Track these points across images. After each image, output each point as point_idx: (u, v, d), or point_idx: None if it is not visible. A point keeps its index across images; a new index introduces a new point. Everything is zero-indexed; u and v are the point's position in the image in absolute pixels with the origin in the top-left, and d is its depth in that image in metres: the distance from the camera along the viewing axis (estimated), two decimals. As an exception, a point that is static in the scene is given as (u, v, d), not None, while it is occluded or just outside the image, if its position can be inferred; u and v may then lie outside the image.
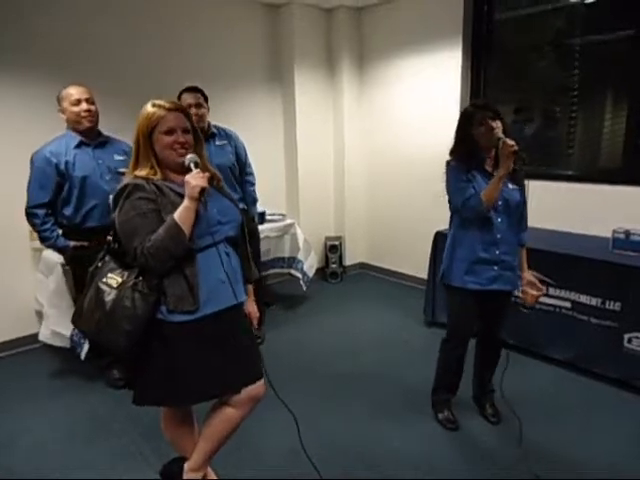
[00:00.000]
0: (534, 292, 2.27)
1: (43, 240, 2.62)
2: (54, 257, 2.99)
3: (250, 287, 1.85)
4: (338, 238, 4.77)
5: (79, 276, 2.63)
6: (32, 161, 2.58)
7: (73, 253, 2.63)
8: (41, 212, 2.56)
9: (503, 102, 3.86)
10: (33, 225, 2.60)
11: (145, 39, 3.64)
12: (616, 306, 2.67)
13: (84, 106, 2.58)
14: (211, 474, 1.88)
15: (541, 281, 2.34)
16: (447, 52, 3.93)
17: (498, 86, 3.96)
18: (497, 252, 2.14)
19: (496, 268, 2.15)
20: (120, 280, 1.52)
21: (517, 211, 2.20)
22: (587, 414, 2.50)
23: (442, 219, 3.78)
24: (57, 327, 2.76)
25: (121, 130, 2.75)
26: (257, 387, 1.72)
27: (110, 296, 1.50)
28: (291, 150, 4.62)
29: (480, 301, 2.20)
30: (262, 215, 3.83)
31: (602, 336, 2.72)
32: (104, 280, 1.53)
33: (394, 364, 3.09)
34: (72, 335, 2.75)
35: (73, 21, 3.31)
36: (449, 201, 2.27)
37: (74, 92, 2.57)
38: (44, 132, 2.73)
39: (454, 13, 3.81)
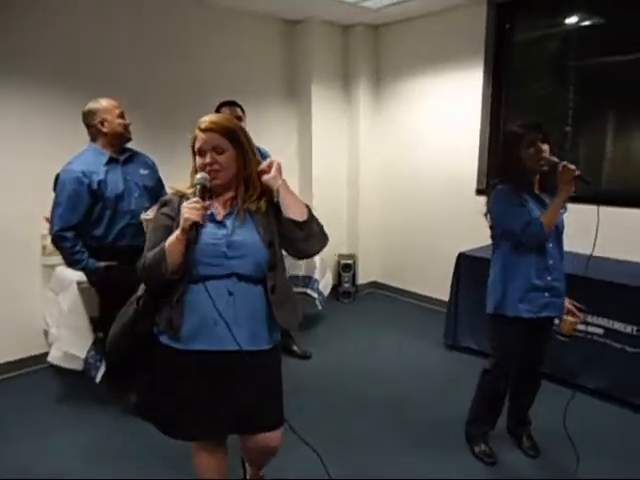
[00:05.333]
0: (572, 319, 2.20)
1: (74, 263, 2.51)
2: (68, 274, 2.86)
3: None
4: (351, 256, 4.68)
5: (107, 297, 2.52)
6: (60, 181, 2.45)
7: (103, 275, 2.51)
8: (71, 235, 2.45)
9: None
10: (62, 249, 2.48)
11: (161, 54, 3.57)
12: (653, 334, 2.60)
13: (127, 120, 2.51)
14: None
15: (579, 309, 2.26)
16: (467, 71, 3.91)
17: (518, 106, 3.93)
18: (549, 278, 2.07)
19: (547, 295, 2.08)
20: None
21: (562, 235, 2.13)
22: (622, 446, 2.41)
23: (459, 239, 3.75)
24: (71, 349, 2.63)
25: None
26: (265, 437, 1.61)
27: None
28: (305, 167, 4.55)
29: (528, 329, 2.11)
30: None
31: (638, 365, 2.64)
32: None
33: (419, 391, 2.97)
34: (87, 357, 2.62)
35: (87, 36, 3.25)
36: (492, 227, 2.19)
37: (116, 105, 2.49)
38: (57, 149, 2.70)
39: (475, 32, 3.80)
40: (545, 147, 1.98)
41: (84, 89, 3.06)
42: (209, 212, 1.48)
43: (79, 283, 2.74)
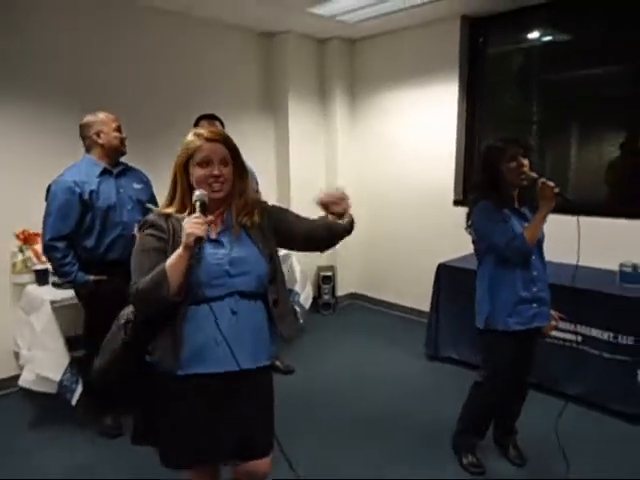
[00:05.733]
0: (553, 323, 2.25)
1: (63, 275, 2.46)
2: (40, 293, 2.77)
3: None
4: (331, 268, 4.67)
5: (95, 312, 2.46)
6: (52, 191, 2.41)
7: (92, 288, 2.46)
8: (62, 245, 2.40)
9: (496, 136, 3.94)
10: (52, 259, 2.44)
11: (137, 64, 3.51)
12: (629, 340, 2.67)
13: (124, 134, 2.53)
14: None
15: (561, 318, 2.30)
16: (442, 84, 3.97)
17: (491, 118, 4.03)
18: (535, 289, 2.10)
19: (535, 305, 2.11)
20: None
21: (542, 246, 2.18)
22: (603, 451, 2.46)
23: (437, 249, 3.79)
24: (45, 371, 2.51)
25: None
26: (256, 464, 1.55)
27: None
28: (284, 179, 4.53)
29: (519, 341, 2.13)
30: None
31: (615, 371, 2.70)
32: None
33: (403, 403, 2.96)
34: (62, 380, 2.51)
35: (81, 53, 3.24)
36: (476, 242, 2.21)
37: (113, 118, 2.51)
38: (28, 165, 2.72)
39: (450, 46, 3.87)
40: (526, 162, 2.02)
41: (63, 106, 3.05)
42: None
43: (52, 302, 2.63)
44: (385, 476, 2.29)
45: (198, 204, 1.38)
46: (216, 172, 1.42)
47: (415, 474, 2.29)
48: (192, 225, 1.32)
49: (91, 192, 2.41)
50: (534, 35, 3.73)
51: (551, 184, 1.95)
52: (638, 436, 2.57)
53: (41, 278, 2.88)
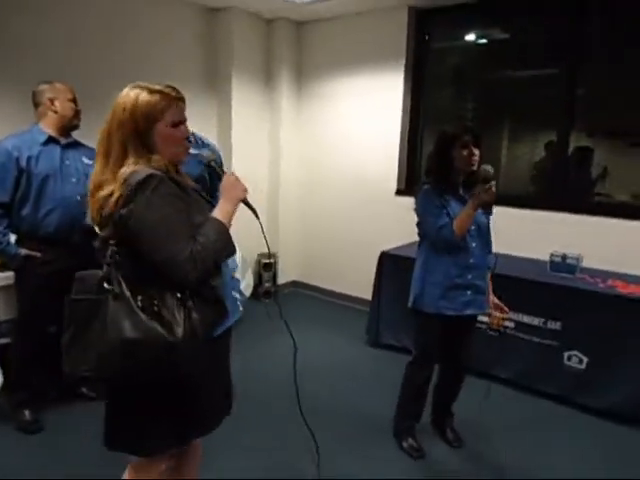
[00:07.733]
0: (500, 314, 2.30)
1: None
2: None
3: None
4: (272, 256, 4.59)
5: (24, 293, 2.35)
6: None
7: (21, 263, 2.29)
8: None
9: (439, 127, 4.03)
10: None
11: (73, 37, 3.24)
12: (557, 325, 2.82)
13: (79, 106, 2.40)
14: None
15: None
16: (388, 74, 3.99)
17: (432, 111, 4.11)
18: (470, 277, 2.12)
19: (469, 293, 2.14)
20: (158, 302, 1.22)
21: (487, 235, 2.22)
22: (534, 431, 2.58)
23: (379, 238, 3.83)
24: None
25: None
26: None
27: (173, 325, 1.20)
28: (225, 164, 4.37)
29: (450, 326, 2.17)
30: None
31: (544, 354, 2.85)
32: (138, 304, 1.19)
33: (345, 390, 2.96)
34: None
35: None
36: (418, 224, 2.22)
37: (68, 88, 2.38)
38: None
39: (397, 36, 3.89)
40: (476, 151, 2.05)
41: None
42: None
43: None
44: (330, 464, 2.26)
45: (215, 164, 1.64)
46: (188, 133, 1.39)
47: (356, 460, 2.29)
48: (241, 182, 1.43)
49: (29, 158, 2.26)
50: (474, 32, 3.82)
51: (493, 190, 1.99)
52: (565, 415, 2.73)
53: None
